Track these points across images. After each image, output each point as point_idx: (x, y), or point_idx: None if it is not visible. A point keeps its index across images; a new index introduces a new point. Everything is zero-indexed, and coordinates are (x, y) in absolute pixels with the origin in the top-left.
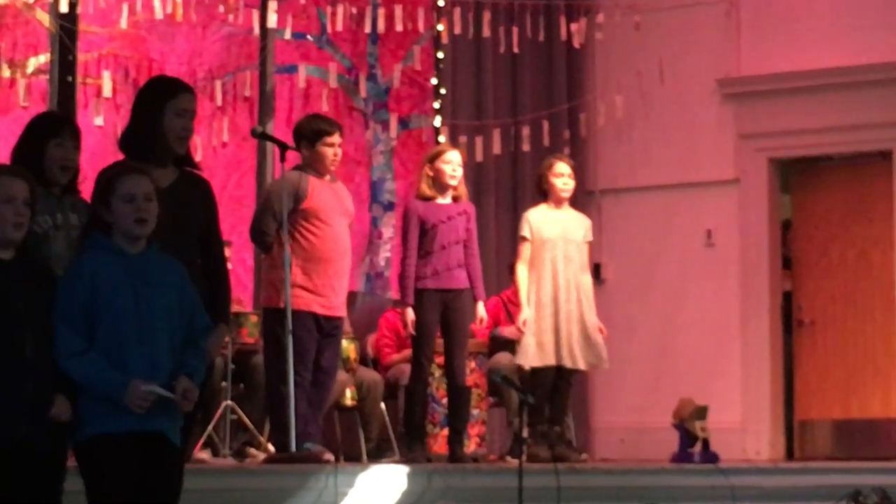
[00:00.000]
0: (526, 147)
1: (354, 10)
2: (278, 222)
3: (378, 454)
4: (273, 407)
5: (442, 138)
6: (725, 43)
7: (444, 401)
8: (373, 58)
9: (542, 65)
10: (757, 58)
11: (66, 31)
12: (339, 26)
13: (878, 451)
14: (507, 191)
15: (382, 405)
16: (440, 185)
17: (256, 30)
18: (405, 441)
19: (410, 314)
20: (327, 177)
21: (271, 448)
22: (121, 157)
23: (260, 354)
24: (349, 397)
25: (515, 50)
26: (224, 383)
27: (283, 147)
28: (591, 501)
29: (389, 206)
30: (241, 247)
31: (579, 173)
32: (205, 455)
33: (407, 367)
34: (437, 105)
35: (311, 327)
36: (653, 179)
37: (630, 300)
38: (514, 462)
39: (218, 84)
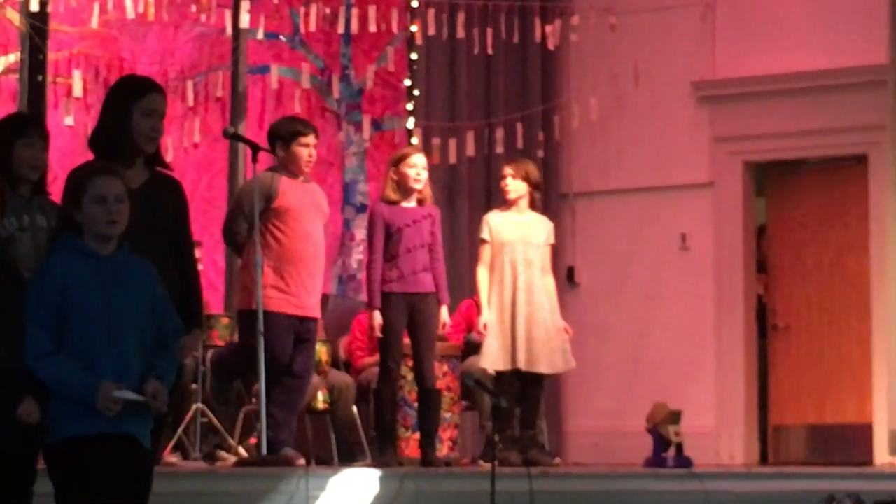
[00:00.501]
0: (500, 149)
1: (328, 11)
2: (249, 223)
3: (350, 458)
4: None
5: (415, 140)
6: (701, 46)
7: (417, 404)
8: (346, 59)
9: (516, 67)
10: (732, 61)
11: (37, 30)
12: (312, 27)
13: (852, 456)
14: (480, 193)
15: (354, 408)
16: (404, 188)
17: (229, 30)
18: (376, 445)
19: (377, 317)
20: (301, 177)
21: (242, 451)
22: (91, 156)
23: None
24: (321, 400)
25: (490, 51)
26: (194, 385)
27: (255, 148)
28: None
29: (362, 208)
30: (212, 248)
31: (553, 176)
32: (175, 458)
33: None
34: (410, 106)
35: (285, 328)
36: (627, 182)
37: (604, 304)
38: (487, 466)
39: (189, 84)
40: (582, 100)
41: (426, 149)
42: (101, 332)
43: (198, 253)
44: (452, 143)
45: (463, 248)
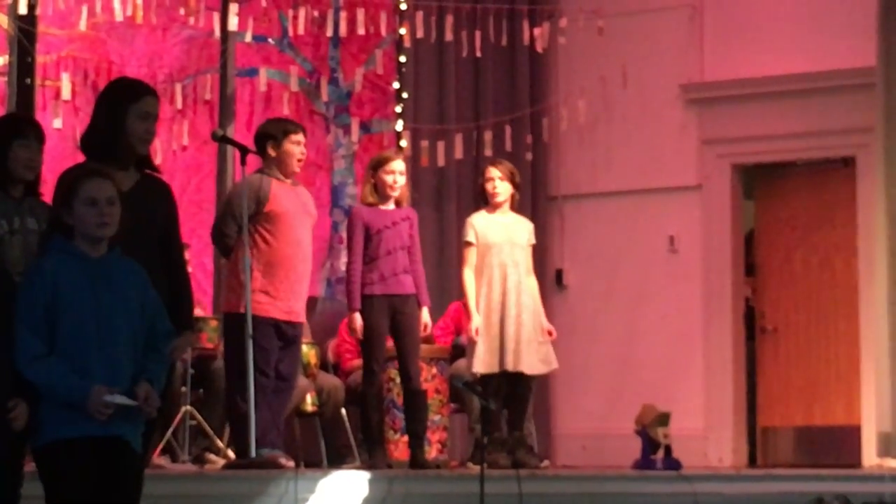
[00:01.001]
0: (488, 151)
1: (316, 14)
2: (239, 225)
3: (339, 460)
4: (232, 412)
5: (404, 143)
6: (689, 48)
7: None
8: (334, 61)
9: (504, 69)
10: (720, 63)
11: (25, 33)
12: (301, 30)
13: (840, 458)
14: (468, 196)
15: (343, 411)
16: (381, 193)
17: (217, 33)
18: (365, 447)
19: (358, 319)
20: (289, 180)
21: (230, 454)
22: (80, 158)
23: (219, 360)
24: (310, 403)
25: (478, 54)
26: (183, 388)
27: (244, 150)
28: None
29: (350, 211)
30: (200, 251)
31: (541, 178)
32: (163, 461)
33: None
34: (398, 109)
35: (272, 333)
36: (615, 185)
37: (592, 306)
38: (476, 468)
39: (178, 87)
40: (570, 102)
41: (414, 151)
42: (92, 335)
43: (186, 255)
44: (441, 145)
45: (451, 250)
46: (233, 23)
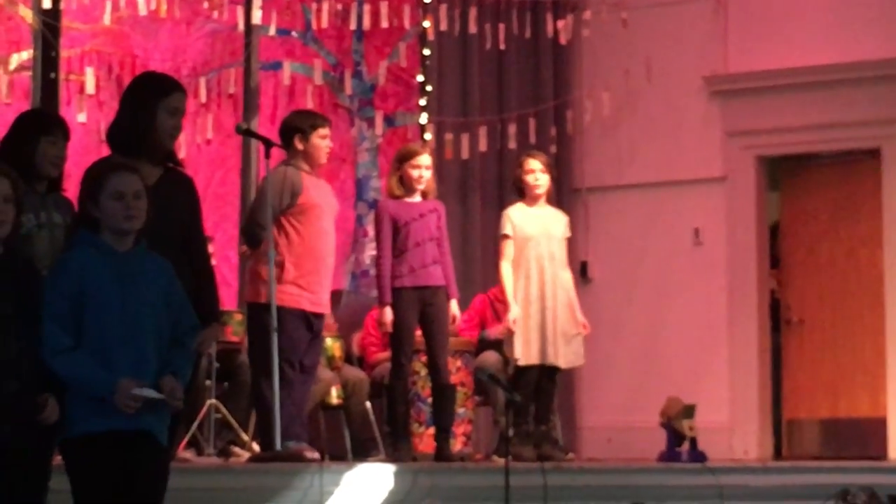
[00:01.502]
0: (512, 144)
1: (339, 7)
2: (274, 216)
3: (364, 453)
4: (258, 404)
5: (428, 135)
6: (713, 40)
7: (430, 399)
8: (358, 55)
9: (528, 62)
10: (744, 55)
11: (49, 27)
12: (325, 23)
13: (866, 450)
14: (493, 188)
15: (368, 404)
16: (407, 186)
17: (241, 26)
18: (390, 440)
19: (388, 314)
20: (314, 172)
21: (255, 447)
22: (105, 152)
23: (244, 353)
24: (334, 396)
25: (502, 47)
26: (208, 382)
27: (268, 144)
28: (577, 501)
29: (374, 204)
30: (225, 244)
31: (566, 171)
32: (189, 454)
33: None
34: (422, 102)
35: (301, 325)
36: (640, 177)
37: (617, 299)
38: (501, 461)
39: (202, 81)
40: (594, 95)
41: (438, 144)
42: (118, 328)
43: (210, 248)
44: (465, 138)
45: (475, 243)
46: (256, 16)
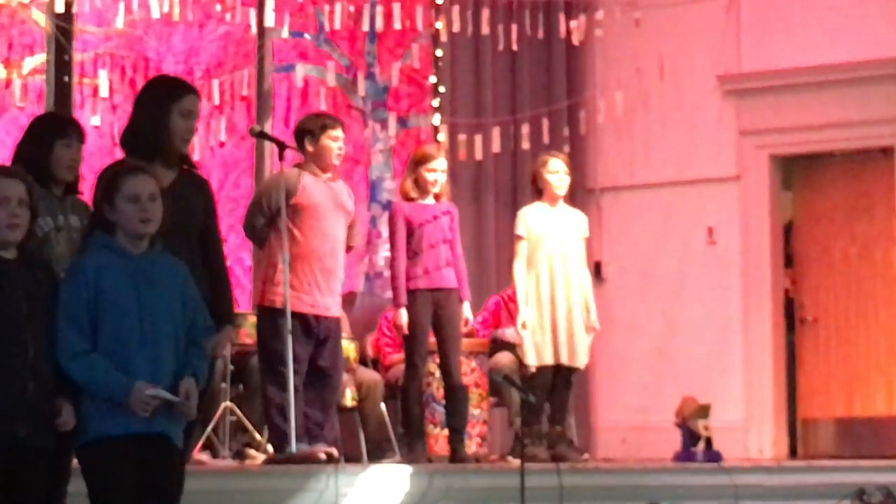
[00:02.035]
0: (525, 145)
1: (352, 9)
2: (267, 218)
3: (379, 455)
4: (265, 406)
5: (441, 137)
6: (726, 39)
7: (444, 401)
8: (371, 56)
9: (541, 62)
10: (757, 54)
11: (62, 30)
12: (337, 25)
13: (881, 449)
14: (506, 189)
15: (383, 405)
16: (422, 188)
17: (254, 29)
18: (405, 441)
19: (404, 316)
20: (328, 174)
21: (270, 449)
22: (118, 155)
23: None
24: (349, 398)
25: (514, 47)
26: (223, 384)
27: (282, 146)
28: (593, 501)
29: (388, 206)
30: (238, 246)
31: (579, 171)
32: (204, 457)
33: None
34: (435, 103)
35: (296, 327)
36: (653, 177)
37: (631, 299)
38: (516, 462)
39: (215, 83)
40: (607, 95)
41: (452, 145)
42: (134, 331)
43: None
44: (478, 139)
45: (489, 244)
46: (269, 19)
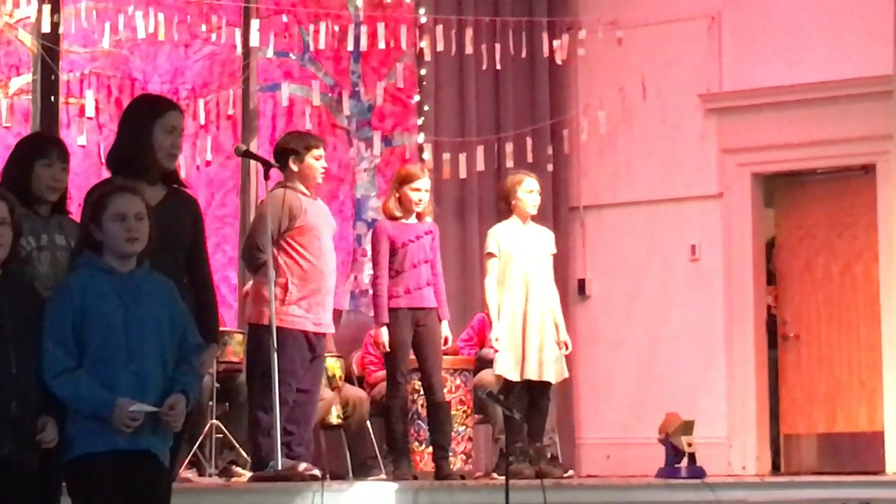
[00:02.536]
0: (509, 163)
1: (337, 28)
2: (273, 240)
3: (364, 472)
4: (252, 425)
5: (426, 155)
6: (708, 58)
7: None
8: (356, 76)
9: (524, 81)
10: (739, 73)
11: (49, 50)
12: (322, 44)
13: (863, 464)
14: (490, 207)
15: (368, 423)
16: (405, 207)
17: (239, 49)
18: (391, 458)
19: (384, 333)
20: (310, 193)
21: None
22: (105, 175)
23: (244, 373)
24: (335, 415)
25: (498, 67)
26: (210, 402)
27: (267, 165)
28: None
29: (373, 224)
30: (224, 265)
31: (563, 189)
32: (190, 474)
33: None
34: (420, 122)
35: (304, 346)
36: (636, 195)
37: (615, 315)
38: (501, 478)
39: (201, 102)
40: (590, 113)
41: (436, 164)
42: (120, 350)
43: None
44: (462, 157)
45: (473, 262)
46: (254, 38)
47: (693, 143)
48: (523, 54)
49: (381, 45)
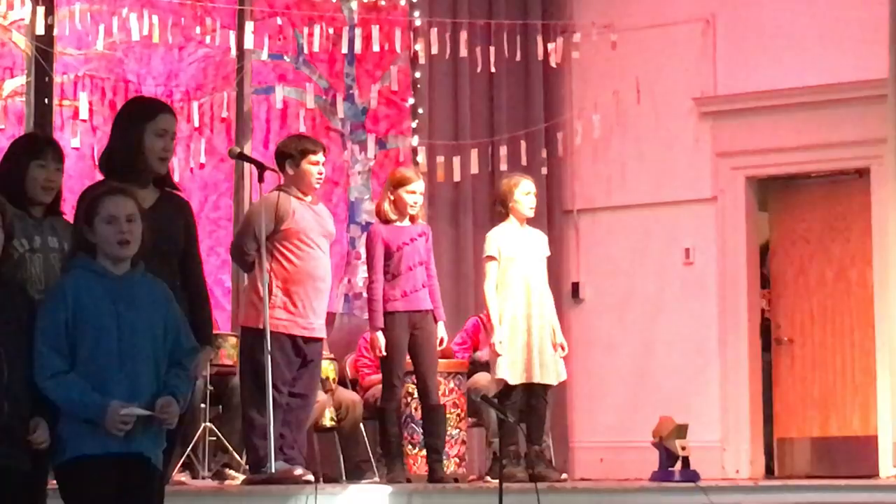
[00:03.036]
0: (503, 166)
1: (331, 31)
2: (258, 243)
3: (358, 475)
4: (246, 427)
5: (420, 158)
6: (702, 62)
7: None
8: (350, 78)
9: (518, 84)
10: (734, 76)
11: (43, 53)
12: (316, 47)
13: (857, 468)
14: (484, 211)
15: (362, 426)
16: (399, 210)
17: (233, 51)
18: (384, 462)
19: (380, 337)
20: (309, 197)
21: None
22: (98, 177)
23: (238, 376)
24: (328, 418)
25: (492, 70)
26: (203, 405)
27: (261, 168)
28: None
29: (367, 227)
30: (218, 268)
31: (557, 193)
32: (184, 477)
33: None
34: (414, 125)
35: (289, 350)
36: (630, 198)
37: (608, 319)
38: (494, 482)
39: (195, 105)
40: (584, 117)
41: (430, 167)
42: (113, 353)
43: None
44: (456, 160)
45: (467, 265)
46: (249, 41)
47: (687, 147)
48: (517, 57)
49: (376, 48)
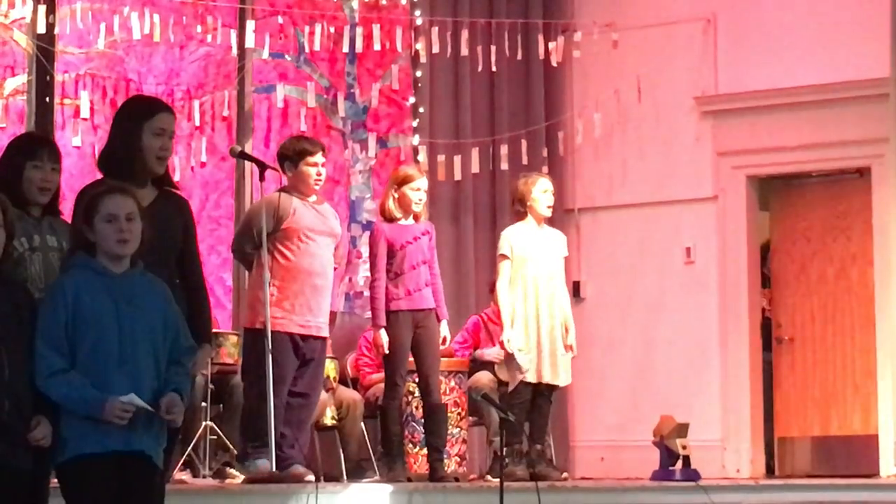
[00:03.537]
0: (504, 165)
1: (332, 30)
2: (257, 243)
3: (358, 474)
4: (246, 426)
5: (421, 157)
6: (703, 60)
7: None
8: (351, 77)
9: (520, 83)
10: (734, 76)
11: (44, 51)
12: (317, 46)
13: (857, 467)
14: (485, 209)
15: (362, 425)
16: (403, 208)
17: (234, 50)
18: (385, 461)
19: (383, 336)
20: (312, 197)
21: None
22: (98, 176)
23: (239, 375)
24: (329, 417)
25: (493, 69)
26: (203, 403)
27: (262, 166)
28: None
29: (368, 226)
30: (219, 266)
31: (558, 192)
32: (184, 476)
33: None
34: (415, 124)
35: (287, 349)
36: (631, 197)
37: (610, 318)
38: (495, 481)
39: (196, 104)
40: (585, 115)
41: (431, 166)
42: (113, 351)
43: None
44: (457, 159)
45: (468, 264)
46: (250, 40)
47: (688, 146)
48: (519, 56)
49: (377, 47)
